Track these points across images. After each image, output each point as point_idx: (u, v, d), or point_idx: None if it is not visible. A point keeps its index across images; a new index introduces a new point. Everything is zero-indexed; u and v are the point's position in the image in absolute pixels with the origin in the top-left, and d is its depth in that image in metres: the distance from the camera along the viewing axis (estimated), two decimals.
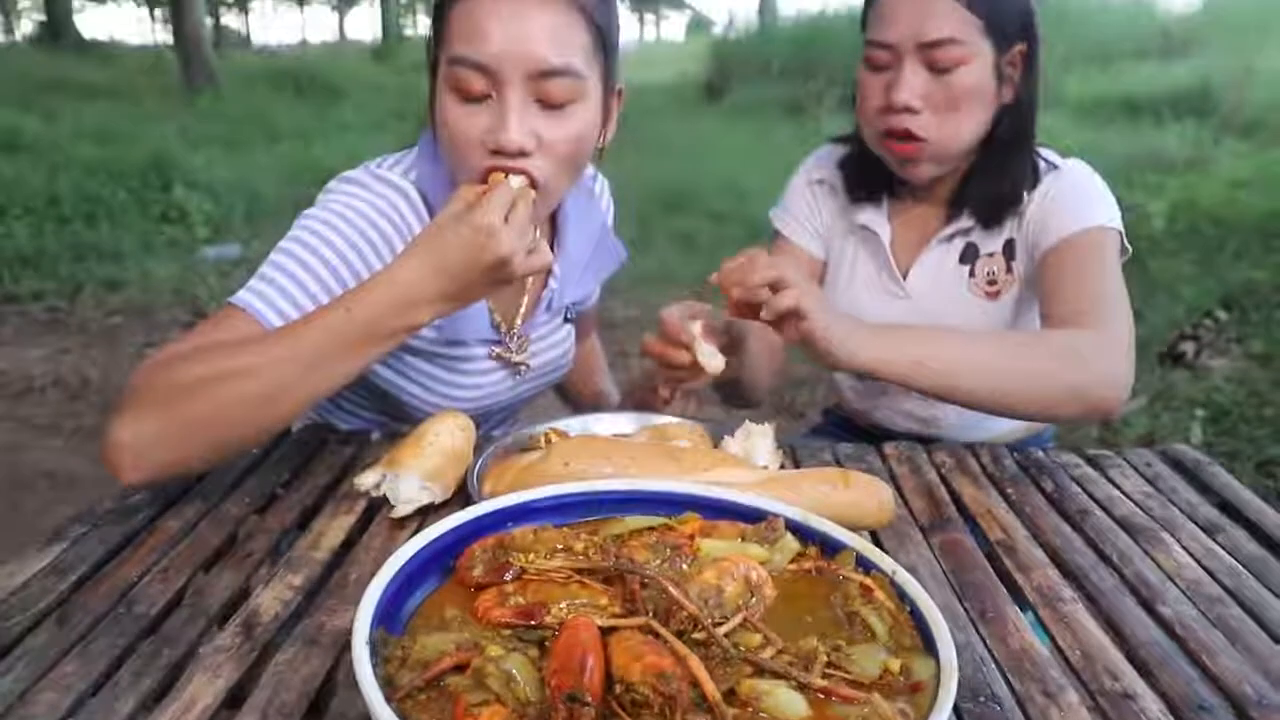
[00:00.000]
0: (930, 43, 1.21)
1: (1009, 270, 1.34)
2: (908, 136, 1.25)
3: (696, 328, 1.09)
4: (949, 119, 1.25)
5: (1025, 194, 1.30)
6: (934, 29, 1.21)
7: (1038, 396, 1.09)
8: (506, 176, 0.99)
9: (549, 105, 1.02)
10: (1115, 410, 1.11)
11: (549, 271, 1.26)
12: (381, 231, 1.08)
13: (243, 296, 1.02)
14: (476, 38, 0.99)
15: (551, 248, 1.24)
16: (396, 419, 1.25)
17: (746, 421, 1.09)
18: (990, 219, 1.33)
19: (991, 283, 1.35)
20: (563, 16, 1.00)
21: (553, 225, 1.26)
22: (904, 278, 1.40)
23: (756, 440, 1.06)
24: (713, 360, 1.09)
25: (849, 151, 1.45)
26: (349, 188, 1.11)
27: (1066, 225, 1.24)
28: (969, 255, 1.36)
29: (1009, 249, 1.34)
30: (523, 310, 1.24)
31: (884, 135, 1.28)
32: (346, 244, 1.06)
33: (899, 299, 1.40)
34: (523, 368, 1.25)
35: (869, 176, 1.41)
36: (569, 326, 1.34)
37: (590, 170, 1.34)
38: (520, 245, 0.95)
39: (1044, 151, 1.33)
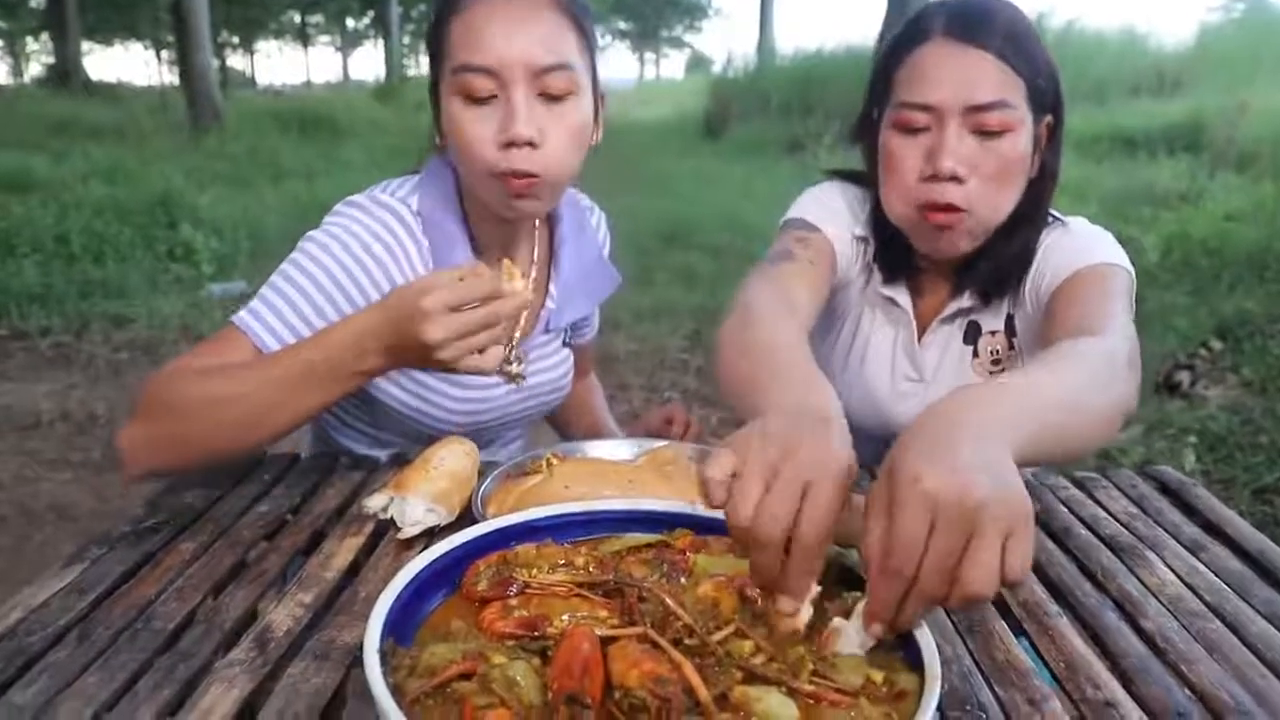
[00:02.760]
0: (980, 105, 1.11)
1: (1011, 347, 1.29)
2: (950, 208, 1.15)
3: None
4: (993, 190, 1.15)
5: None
6: (985, 91, 1.11)
7: (1116, 417, 0.88)
8: (513, 279, 1.01)
9: (550, 99, 1.10)
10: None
11: (546, 292, 1.31)
12: (374, 254, 1.14)
13: (241, 317, 1.10)
14: (479, 45, 1.07)
15: (548, 271, 1.31)
16: (390, 432, 1.29)
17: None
18: (992, 295, 1.27)
19: (995, 361, 1.29)
20: (553, 20, 1.10)
21: (550, 250, 1.32)
22: None
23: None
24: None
25: (873, 230, 1.32)
26: (350, 210, 1.18)
27: (1073, 263, 1.15)
28: (971, 334, 1.31)
29: (1010, 325, 1.29)
30: (521, 326, 1.28)
31: (922, 207, 1.17)
32: (339, 266, 1.12)
33: (913, 382, 1.33)
34: (519, 379, 1.29)
35: (895, 259, 1.32)
36: (567, 350, 1.39)
37: (587, 201, 1.42)
38: (451, 338, 0.95)
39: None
